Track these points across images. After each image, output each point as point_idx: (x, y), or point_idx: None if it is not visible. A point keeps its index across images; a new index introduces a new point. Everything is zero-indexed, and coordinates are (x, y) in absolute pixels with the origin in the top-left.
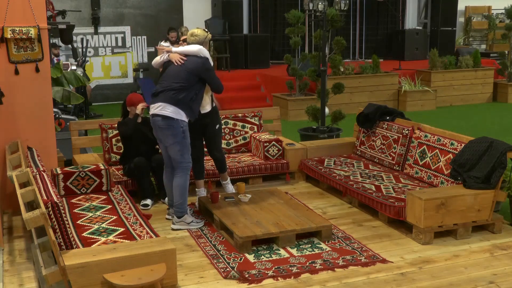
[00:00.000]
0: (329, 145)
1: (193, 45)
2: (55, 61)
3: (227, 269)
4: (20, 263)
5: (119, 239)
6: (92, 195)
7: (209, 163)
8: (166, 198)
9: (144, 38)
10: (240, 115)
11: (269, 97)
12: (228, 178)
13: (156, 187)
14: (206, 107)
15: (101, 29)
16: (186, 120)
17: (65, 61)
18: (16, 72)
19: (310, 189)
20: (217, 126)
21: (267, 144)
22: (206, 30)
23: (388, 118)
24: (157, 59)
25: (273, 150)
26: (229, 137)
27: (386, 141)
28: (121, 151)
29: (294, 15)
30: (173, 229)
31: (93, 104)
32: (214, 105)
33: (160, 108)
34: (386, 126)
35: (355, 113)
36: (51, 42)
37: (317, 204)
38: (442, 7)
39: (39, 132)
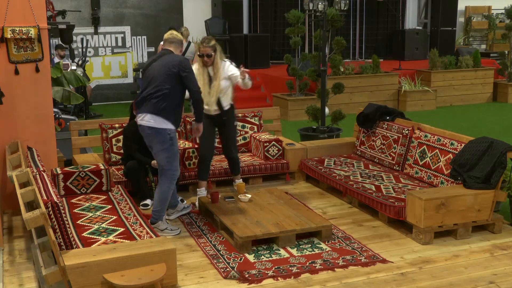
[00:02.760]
0: (329, 145)
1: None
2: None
3: (227, 269)
4: (20, 263)
5: (119, 239)
6: (92, 195)
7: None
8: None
9: (144, 38)
10: (240, 115)
11: (269, 97)
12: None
13: (155, 188)
14: (226, 104)
15: (101, 29)
16: (173, 127)
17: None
18: (16, 72)
19: (310, 189)
20: (235, 123)
21: (267, 144)
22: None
23: (388, 118)
24: None
25: (273, 150)
26: None
27: (386, 141)
28: (121, 151)
29: (294, 15)
30: None
31: (93, 104)
32: (232, 102)
33: (145, 119)
34: (386, 126)
35: (355, 113)
36: (57, 43)
37: (317, 204)
38: (442, 7)
39: (39, 132)
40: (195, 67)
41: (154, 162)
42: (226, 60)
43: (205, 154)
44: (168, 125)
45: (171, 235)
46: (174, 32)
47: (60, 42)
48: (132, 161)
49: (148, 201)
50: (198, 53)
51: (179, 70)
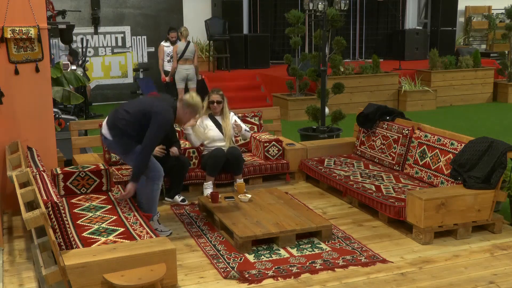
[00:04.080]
0: (329, 145)
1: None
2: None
3: (227, 269)
4: (20, 263)
5: (119, 239)
6: (92, 195)
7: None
8: (176, 197)
9: (144, 38)
10: (240, 115)
11: (269, 97)
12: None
13: (165, 188)
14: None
15: (101, 29)
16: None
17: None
18: (16, 72)
19: (310, 189)
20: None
21: (267, 144)
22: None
23: (388, 118)
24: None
25: (273, 150)
26: None
27: (386, 141)
28: None
29: (294, 15)
30: None
31: (93, 104)
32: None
33: (105, 129)
34: (386, 126)
35: (355, 113)
36: (70, 49)
37: (317, 204)
38: (442, 7)
39: (39, 132)
40: (198, 122)
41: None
42: (231, 111)
43: (218, 154)
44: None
45: (162, 236)
46: (196, 98)
47: (74, 49)
48: None
49: None
50: (209, 99)
51: (151, 117)
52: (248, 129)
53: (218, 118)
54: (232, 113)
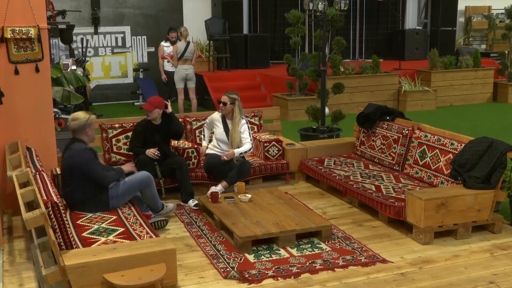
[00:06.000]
0: (329, 145)
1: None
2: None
3: (227, 269)
4: (20, 263)
5: (119, 239)
6: None
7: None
8: (190, 201)
9: (144, 38)
10: None
11: (269, 97)
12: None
13: (163, 187)
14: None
15: (101, 29)
16: None
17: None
18: (16, 72)
19: (310, 189)
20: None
21: (267, 144)
22: (89, 112)
23: (388, 118)
24: None
25: (273, 150)
26: None
27: (386, 141)
28: (121, 151)
29: (294, 15)
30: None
31: (93, 104)
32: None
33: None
34: (386, 126)
35: (355, 113)
36: (78, 57)
37: (317, 204)
38: (442, 7)
39: (39, 132)
40: (214, 116)
41: (148, 151)
42: (243, 118)
43: (213, 162)
44: None
45: (170, 206)
46: (75, 115)
47: (78, 58)
48: (143, 156)
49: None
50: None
51: (77, 166)
52: (246, 149)
53: (228, 122)
54: (243, 121)
